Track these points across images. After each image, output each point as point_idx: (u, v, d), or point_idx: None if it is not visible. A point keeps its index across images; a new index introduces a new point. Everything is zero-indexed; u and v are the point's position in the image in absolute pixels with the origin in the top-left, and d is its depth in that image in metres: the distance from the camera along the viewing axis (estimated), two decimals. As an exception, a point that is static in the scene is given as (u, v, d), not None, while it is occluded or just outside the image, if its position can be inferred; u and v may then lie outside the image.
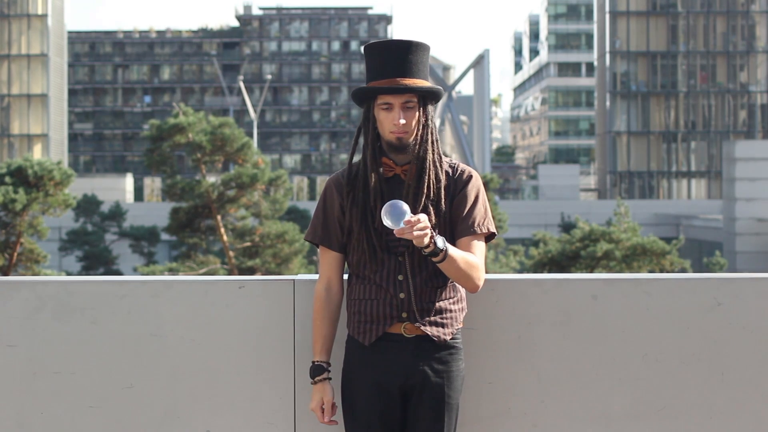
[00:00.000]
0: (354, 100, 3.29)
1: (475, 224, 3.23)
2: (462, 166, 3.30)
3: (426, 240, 3.03)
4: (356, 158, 3.34)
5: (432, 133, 3.25)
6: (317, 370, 3.25)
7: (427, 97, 3.23)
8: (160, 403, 3.54)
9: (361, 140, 3.32)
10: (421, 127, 3.23)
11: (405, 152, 3.23)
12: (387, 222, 3.01)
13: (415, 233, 2.98)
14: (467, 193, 3.25)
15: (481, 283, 3.20)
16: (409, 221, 2.98)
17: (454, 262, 3.11)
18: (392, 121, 3.19)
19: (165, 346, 3.54)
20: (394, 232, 3.00)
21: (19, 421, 3.54)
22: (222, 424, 3.54)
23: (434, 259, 3.09)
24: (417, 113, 3.22)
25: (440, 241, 3.08)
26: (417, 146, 3.22)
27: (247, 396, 3.54)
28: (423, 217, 3.02)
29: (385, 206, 3.01)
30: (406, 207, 3.01)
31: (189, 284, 3.61)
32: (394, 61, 3.20)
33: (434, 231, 3.17)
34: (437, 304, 3.22)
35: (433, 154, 3.24)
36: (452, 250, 3.11)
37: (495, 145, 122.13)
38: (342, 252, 3.29)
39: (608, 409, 3.55)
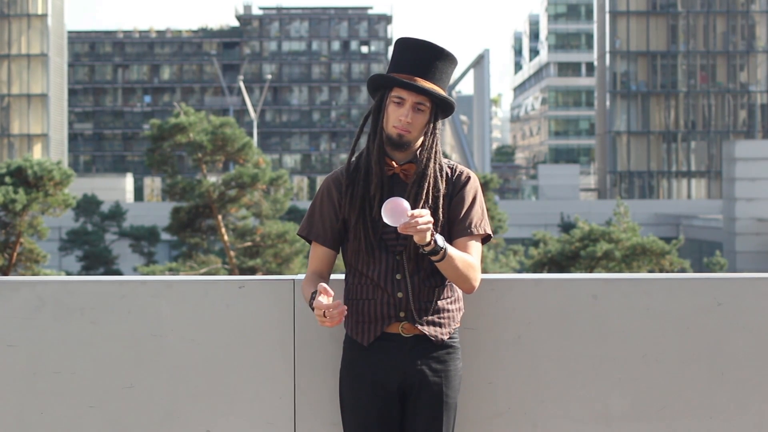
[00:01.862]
0: (369, 87, 3.29)
1: (472, 225, 3.23)
2: (460, 168, 3.31)
3: (428, 237, 3.03)
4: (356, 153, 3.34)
5: (436, 144, 3.26)
6: (313, 295, 3.18)
7: (440, 107, 3.24)
8: (160, 403, 3.54)
9: (365, 135, 3.32)
10: (428, 135, 3.24)
11: (404, 151, 3.24)
12: (387, 219, 3.00)
13: (420, 226, 2.98)
14: (465, 195, 3.26)
15: (477, 284, 3.21)
16: (413, 215, 2.98)
17: (452, 261, 3.11)
18: (399, 116, 3.20)
19: (165, 346, 3.54)
20: (399, 228, 3.00)
21: (19, 421, 3.54)
22: (222, 424, 3.54)
23: (434, 258, 3.10)
24: (426, 118, 3.22)
25: (440, 240, 3.09)
26: (421, 152, 3.23)
27: (247, 396, 3.54)
28: (425, 211, 3.03)
29: (385, 203, 3.01)
30: (406, 204, 3.01)
31: (189, 284, 3.61)
32: (421, 60, 3.21)
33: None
34: (435, 304, 3.23)
35: (434, 164, 3.25)
36: (451, 250, 3.12)
37: (495, 145, 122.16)
38: (333, 249, 3.29)
39: (608, 409, 3.55)
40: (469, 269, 3.16)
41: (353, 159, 3.31)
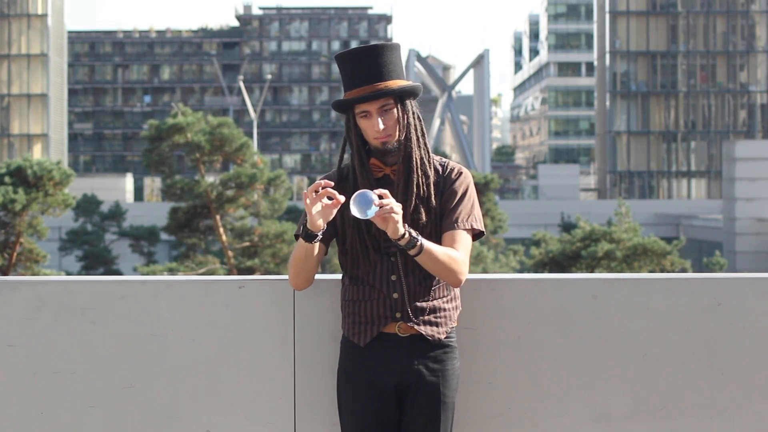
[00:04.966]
0: (336, 111, 3.30)
1: (459, 220, 3.21)
2: (452, 164, 3.30)
3: (400, 229, 3.02)
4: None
5: (416, 130, 3.23)
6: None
7: (405, 96, 3.22)
8: (160, 403, 3.54)
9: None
10: (404, 127, 3.22)
11: (393, 154, 3.23)
12: (354, 211, 2.99)
13: (387, 211, 2.96)
14: (455, 190, 3.24)
15: (463, 277, 3.19)
16: (381, 203, 2.97)
17: (431, 255, 3.10)
18: (372, 128, 3.19)
19: (165, 346, 3.54)
20: (371, 218, 2.98)
21: (19, 421, 3.54)
22: (222, 424, 3.54)
23: (411, 252, 3.08)
24: (396, 114, 3.21)
25: (414, 233, 3.08)
26: (402, 146, 3.22)
27: (247, 396, 3.54)
28: (395, 202, 3.01)
29: (353, 196, 3.00)
30: (373, 195, 2.99)
31: (189, 284, 3.61)
32: (364, 67, 3.19)
33: (425, 228, 3.19)
34: (431, 304, 3.22)
35: (420, 150, 3.23)
36: (429, 243, 3.10)
37: (495, 145, 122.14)
38: (325, 245, 3.27)
39: (608, 409, 3.55)
40: (452, 263, 3.14)
41: (342, 166, 3.31)
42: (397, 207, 3.00)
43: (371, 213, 2.98)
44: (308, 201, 3.07)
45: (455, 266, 3.15)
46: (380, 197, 3.00)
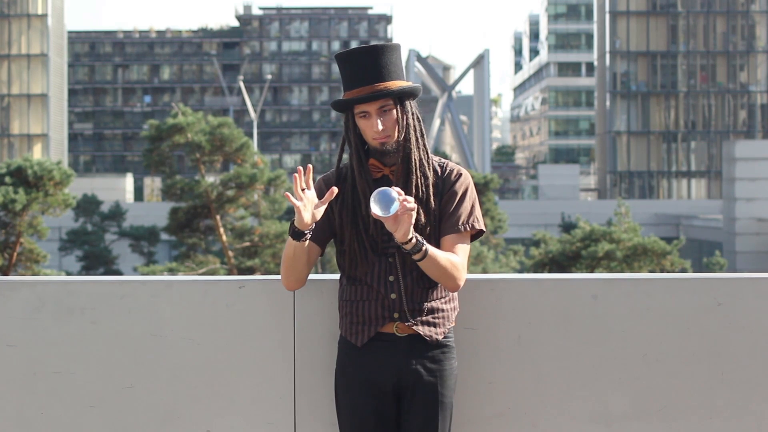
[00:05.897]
0: (335, 110, 3.30)
1: (460, 222, 3.22)
2: (451, 165, 3.30)
3: (410, 232, 3.02)
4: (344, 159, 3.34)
5: (416, 131, 3.23)
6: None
7: (404, 97, 3.22)
8: (160, 403, 3.54)
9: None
10: (403, 128, 3.22)
11: (391, 155, 3.23)
12: (376, 210, 2.97)
13: (410, 209, 2.97)
14: (455, 191, 3.24)
15: (461, 282, 3.20)
16: (405, 199, 2.96)
17: (435, 261, 3.11)
18: (371, 128, 3.19)
19: (165, 346, 3.54)
20: (393, 215, 2.97)
21: (19, 421, 3.54)
22: (222, 424, 3.54)
23: (416, 257, 3.08)
24: (395, 115, 3.21)
25: (420, 237, 3.09)
26: (401, 147, 3.22)
27: (247, 396, 3.54)
28: (411, 199, 3.01)
29: (373, 194, 2.99)
30: (394, 192, 2.99)
31: (189, 284, 3.61)
32: (364, 68, 3.19)
33: (424, 229, 3.19)
34: (429, 304, 3.23)
35: (419, 152, 3.23)
36: (433, 249, 3.11)
37: (495, 145, 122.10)
38: (320, 246, 3.27)
39: (608, 409, 3.55)
40: (453, 269, 3.15)
41: (341, 166, 3.31)
42: (413, 204, 3.00)
43: (394, 209, 2.97)
44: (294, 200, 3.07)
45: (455, 272, 3.17)
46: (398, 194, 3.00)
